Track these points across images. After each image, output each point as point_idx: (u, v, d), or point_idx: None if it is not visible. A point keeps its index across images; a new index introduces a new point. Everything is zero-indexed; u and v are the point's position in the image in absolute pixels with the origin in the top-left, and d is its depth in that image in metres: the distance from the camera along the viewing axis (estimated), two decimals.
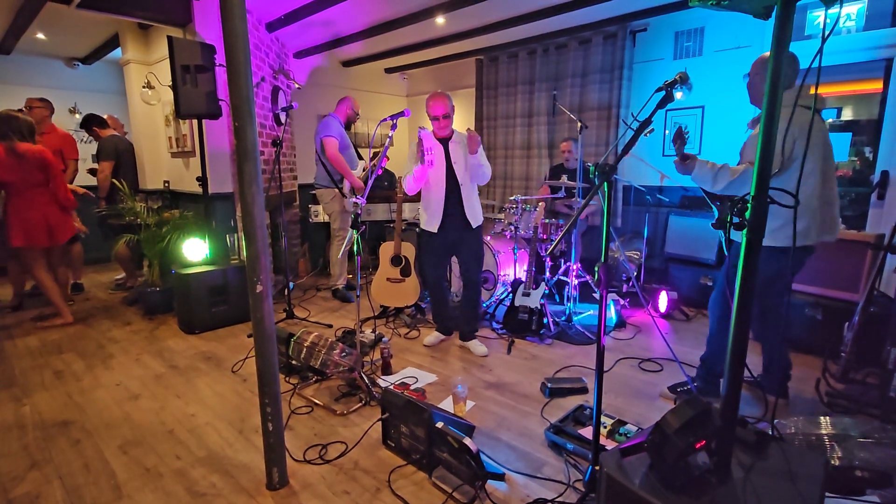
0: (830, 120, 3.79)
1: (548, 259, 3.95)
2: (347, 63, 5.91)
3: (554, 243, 1.67)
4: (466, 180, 2.97)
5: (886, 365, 2.22)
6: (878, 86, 3.47)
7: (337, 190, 4.05)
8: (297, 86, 4.54)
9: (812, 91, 1.41)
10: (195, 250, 3.67)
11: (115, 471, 1.95)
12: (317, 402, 2.48)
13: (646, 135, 1.71)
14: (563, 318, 3.59)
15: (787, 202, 1.25)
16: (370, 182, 2.58)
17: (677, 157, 2.24)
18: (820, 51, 1.16)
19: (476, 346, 3.15)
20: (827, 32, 1.16)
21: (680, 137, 2.17)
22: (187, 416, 2.38)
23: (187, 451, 2.09)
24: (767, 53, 2.14)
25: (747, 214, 1.16)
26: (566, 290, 3.73)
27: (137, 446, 2.13)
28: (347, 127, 4.19)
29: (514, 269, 3.93)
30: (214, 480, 1.89)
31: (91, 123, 4.36)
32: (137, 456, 2.05)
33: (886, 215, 3.34)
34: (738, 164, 2.15)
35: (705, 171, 2.17)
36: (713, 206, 2.50)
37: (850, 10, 3.45)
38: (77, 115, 5.74)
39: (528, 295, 3.43)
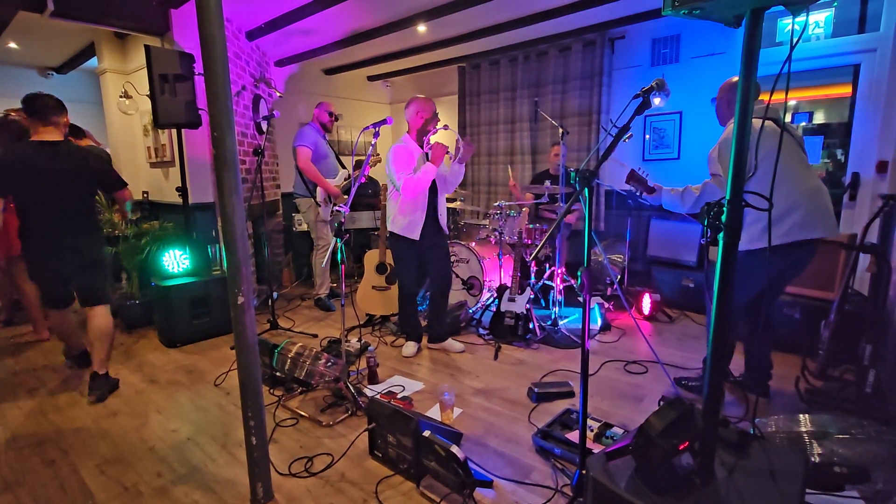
0: (803, 123, 3.90)
1: (532, 264, 3.97)
2: (329, 71, 5.90)
3: (537, 248, 1.68)
4: (442, 188, 3.10)
5: (862, 361, 2.27)
6: (847, 90, 3.59)
7: (312, 199, 4.03)
8: (278, 94, 4.52)
9: (767, 101, 1.46)
10: (175, 262, 3.60)
11: (93, 491, 1.90)
12: (302, 413, 2.45)
13: (625, 140, 1.74)
14: (549, 323, 3.61)
15: (760, 206, 1.28)
16: (353, 190, 2.57)
17: (646, 192, 2.39)
18: (789, 57, 1.19)
19: (453, 344, 3.25)
20: (795, 39, 1.19)
21: (633, 178, 2.32)
22: (168, 432, 2.32)
23: (168, 468, 2.04)
24: (732, 78, 2.28)
25: (723, 218, 1.19)
26: (551, 294, 3.76)
27: (116, 465, 2.07)
28: (327, 131, 4.18)
29: (499, 274, 3.94)
30: (197, 498, 1.85)
31: (67, 133, 4.27)
32: (116, 475, 2.00)
33: (858, 216, 3.44)
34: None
35: (671, 197, 2.33)
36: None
37: (818, 17, 3.57)
38: None
39: (513, 300, 3.44)
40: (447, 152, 2.92)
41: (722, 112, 2.35)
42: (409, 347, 3.22)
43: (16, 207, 2.58)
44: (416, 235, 3.01)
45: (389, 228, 3.11)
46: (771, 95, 1.29)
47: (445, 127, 2.97)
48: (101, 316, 2.70)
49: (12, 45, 4.59)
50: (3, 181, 2.50)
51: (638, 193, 2.41)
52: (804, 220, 2.08)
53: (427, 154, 2.95)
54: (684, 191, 2.29)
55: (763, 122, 1.55)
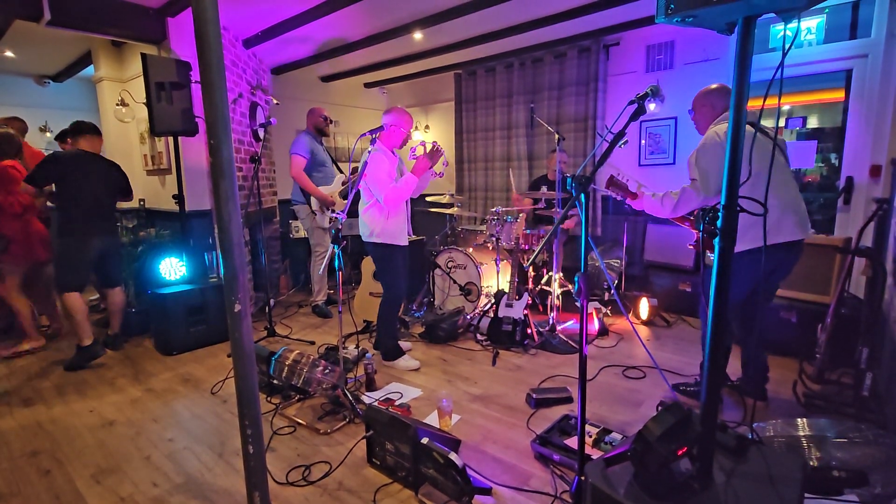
0: (797, 128, 3.93)
1: (530, 269, 3.97)
2: (326, 78, 5.92)
3: (535, 254, 1.68)
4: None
5: (859, 364, 2.28)
6: (840, 95, 3.62)
7: (308, 206, 4.04)
8: (275, 101, 4.53)
9: (760, 107, 1.47)
10: (172, 269, 3.59)
11: (88, 501, 1.88)
12: (299, 421, 2.43)
13: (620, 146, 1.75)
14: (547, 328, 3.60)
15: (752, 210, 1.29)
16: (350, 196, 2.57)
17: (628, 199, 2.38)
18: (781, 64, 1.20)
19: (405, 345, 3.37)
20: (787, 46, 1.20)
21: (613, 184, 2.33)
22: (164, 441, 2.30)
23: (165, 477, 2.03)
24: (706, 88, 2.31)
25: (719, 223, 1.19)
26: (549, 299, 3.76)
27: (112, 474, 2.05)
28: (324, 135, 4.18)
29: (496, 280, 3.94)
30: None
31: (66, 138, 4.28)
32: (112, 485, 1.98)
33: (853, 219, 3.46)
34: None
35: (652, 202, 2.33)
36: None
37: (810, 24, 3.61)
38: (48, 134, 5.61)
39: (511, 306, 3.44)
40: (430, 167, 2.95)
41: (699, 121, 2.39)
42: (412, 360, 3.13)
43: (60, 197, 3.19)
44: (405, 241, 3.04)
45: (373, 240, 2.95)
46: (764, 102, 1.30)
47: (434, 144, 2.99)
48: (119, 294, 3.54)
49: (9, 53, 4.59)
50: (52, 173, 3.13)
51: (619, 198, 2.40)
52: (779, 223, 2.10)
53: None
54: (664, 196, 2.29)
55: (756, 131, 1.56)
